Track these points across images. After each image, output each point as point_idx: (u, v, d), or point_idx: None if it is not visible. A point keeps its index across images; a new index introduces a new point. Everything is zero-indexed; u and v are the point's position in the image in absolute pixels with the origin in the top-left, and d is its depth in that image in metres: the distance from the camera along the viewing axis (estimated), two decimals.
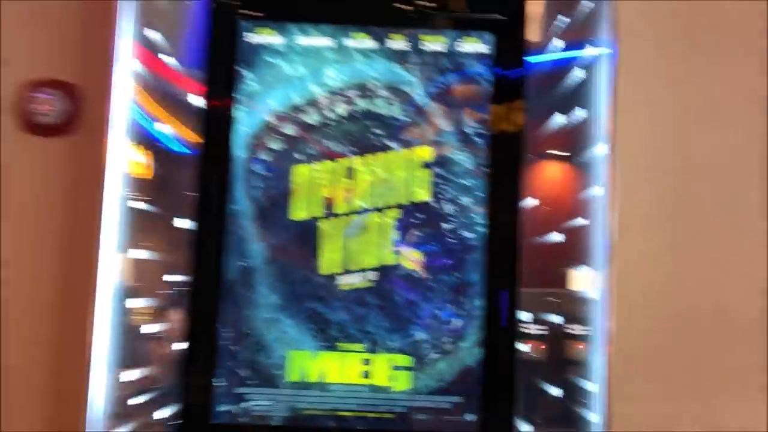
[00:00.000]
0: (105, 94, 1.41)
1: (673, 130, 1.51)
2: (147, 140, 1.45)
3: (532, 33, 1.45)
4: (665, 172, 1.51)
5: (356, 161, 1.43)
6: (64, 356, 1.48)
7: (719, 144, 1.51)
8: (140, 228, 1.44)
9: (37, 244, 1.50)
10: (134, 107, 1.44)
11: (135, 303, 1.43)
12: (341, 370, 1.40)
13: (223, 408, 1.38)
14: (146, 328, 1.43)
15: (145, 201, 1.44)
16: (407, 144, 1.44)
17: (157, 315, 1.42)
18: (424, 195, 1.43)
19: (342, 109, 1.44)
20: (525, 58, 1.43)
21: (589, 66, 1.45)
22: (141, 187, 1.44)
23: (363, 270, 1.41)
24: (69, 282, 1.49)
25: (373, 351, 1.40)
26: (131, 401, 1.40)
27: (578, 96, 1.45)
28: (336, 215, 1.42)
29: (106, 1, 1.44)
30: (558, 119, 1.45)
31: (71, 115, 1.51)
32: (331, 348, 1.40)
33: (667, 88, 1.51)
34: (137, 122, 1.44)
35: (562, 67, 1.47)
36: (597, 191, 1.42)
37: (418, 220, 1.42)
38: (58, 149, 1.51)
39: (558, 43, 1.46)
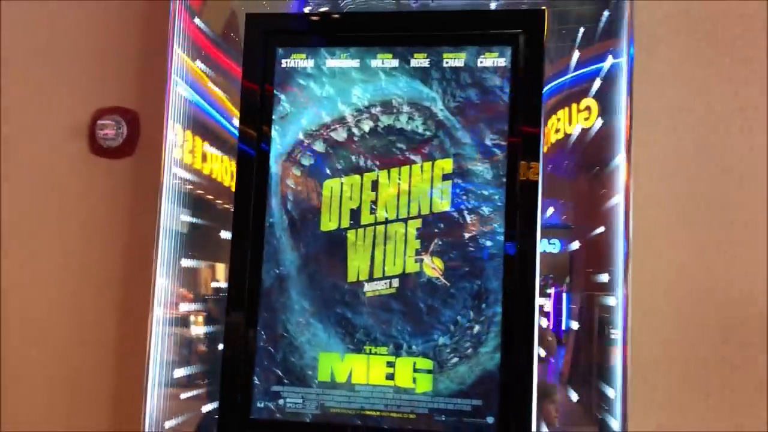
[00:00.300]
0: (161, 118, 1.58)
1: (698, 135, 1.49)
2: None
3: (552, 44, 1.49)
4: (688, 179, 1.49)
5: (381, 174, 1.52)
6: (125, 356, 1.65)
7: (745, 149, 1.47)
8: (193, 239, 1.59)
9: (103, 254, 1.69)
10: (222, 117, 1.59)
11: (187, 307, 1.58)
12: (367, 371, 1.49)
13: (260, 404, 1.51)
14: (196, 330, 1.58)
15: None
16: (429, 157, 1.51)
17: (205, 318, 1.57)
18: (445, 205, 1.49)
19: (367, 125, 1.53)
20: (545, 70, 1.47)
21: (609, 74, 1.47)
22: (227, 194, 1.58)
23: (387, 277, 1.50)
24: (130, 287, 1.66)
25: (396, 354, 1.48)
26: (183, 396, 1.55)
27: (600, 104, 1.47)
28: (362, 226, 1.52)
29: (161, 32, 1.61)
30: (579, 127, 1.48)
31: (132, 138, 1.68)
32: (358, 351, 1.49)
33: (691, 93, 1.49)
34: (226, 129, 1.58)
35: (583, 75, 1.49)
36: (616, 199, 1.43)
37: (439, 230, 1.49)
38: (122, 169, 1.70)
39: (578, 53, 1.48)
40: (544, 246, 1.49)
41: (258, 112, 1.56)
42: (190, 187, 1.59)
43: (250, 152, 1.55)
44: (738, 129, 1.50)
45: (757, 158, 1.48)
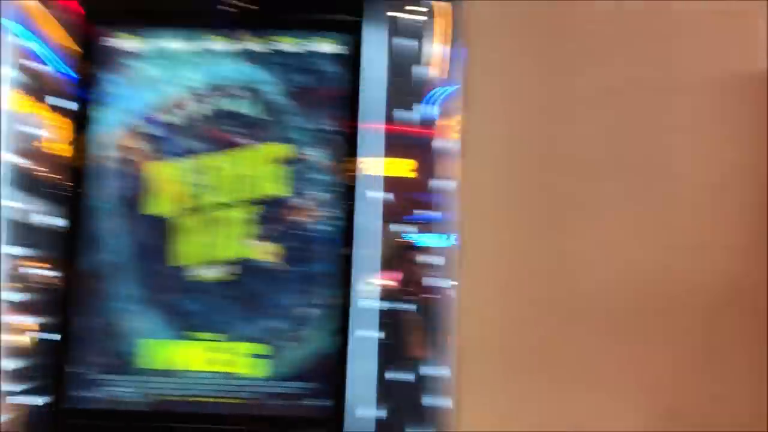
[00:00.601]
0: None
1: (526, 126, 1.54)
2: None
3: (390, 32, 1.51)
4: (516, 167, 1.54)
5: (215, 158, 1.49)
6: None
7: (576, 137, 1.53)
8: (20, 225, 1.52)
9: None
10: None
11: (10, 297, 1.50)
12: (199, 357, 1.46)
13: (85, 393, 1.46)
14: (19, 320, 1.50)
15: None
16: (264, 141, 1.50)
17: (28, 308, 1.50)
18: (279, 190, 1.49)
19: (202, 108, 1.51)
20: (377, 56, 1.49)
21: (443, 64, 1.51)
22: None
23: (221, 262, 1.48)
24: None
25: (230, 339, 1.47)
26: (7, 389, 1.48)
27: (433, 93, 1.51)
28: (196, 210, 1.49)
29: None
30: (411, 115, 1.51)
31: None
32: (190, 337, 1.47)
33: (521, 85, 1.54)
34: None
35: (417, 64, 1.52)
36: (447, 185, 1.47)
37: (274, 214, 1.48)
38: None
39: (413, 41, 1.52)
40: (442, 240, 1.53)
41: (87, 93, 1.50)
42: (22, 171, 1.52)
43: (82, 132, 1.50)
44: (568, 118, 1.56)
45: (587, 146, 1.54)
